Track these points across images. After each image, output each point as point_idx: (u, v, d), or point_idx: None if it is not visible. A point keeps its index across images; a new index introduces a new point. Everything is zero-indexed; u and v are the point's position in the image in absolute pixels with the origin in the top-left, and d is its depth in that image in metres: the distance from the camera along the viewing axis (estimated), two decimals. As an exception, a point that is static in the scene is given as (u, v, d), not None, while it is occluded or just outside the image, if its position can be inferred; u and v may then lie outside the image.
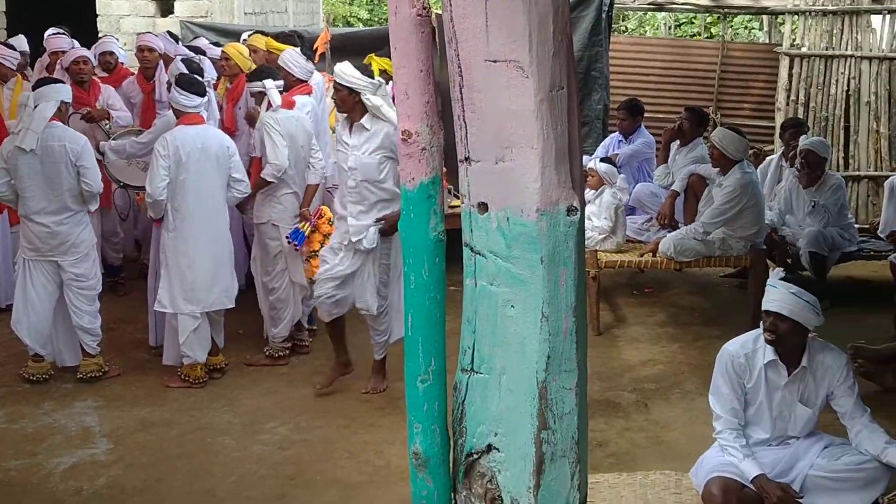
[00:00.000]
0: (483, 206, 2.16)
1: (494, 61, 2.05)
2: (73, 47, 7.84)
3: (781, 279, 4.28)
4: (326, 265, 5.77)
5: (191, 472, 4.95)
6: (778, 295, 4.22)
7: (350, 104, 5.58)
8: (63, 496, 4.71)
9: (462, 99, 2.13)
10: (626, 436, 5.36)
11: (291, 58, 6.81)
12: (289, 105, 6.39)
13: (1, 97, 7.33)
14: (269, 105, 6.30)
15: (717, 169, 7.21)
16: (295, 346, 6.65)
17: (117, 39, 8.82)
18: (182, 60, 7.08)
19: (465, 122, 2.14)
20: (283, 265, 6.42)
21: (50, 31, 8.30)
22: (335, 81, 5.60)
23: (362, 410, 5.73)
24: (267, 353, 6.52)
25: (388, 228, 5.55)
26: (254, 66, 7.30)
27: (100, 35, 10.06)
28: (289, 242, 6.23)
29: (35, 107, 5.89)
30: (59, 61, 7.76)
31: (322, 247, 6.26)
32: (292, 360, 6.54)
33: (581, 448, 2.22)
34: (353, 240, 5.61)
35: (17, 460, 5.06)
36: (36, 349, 6.09)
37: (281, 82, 6.51)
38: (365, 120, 5.56)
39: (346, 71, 5.55)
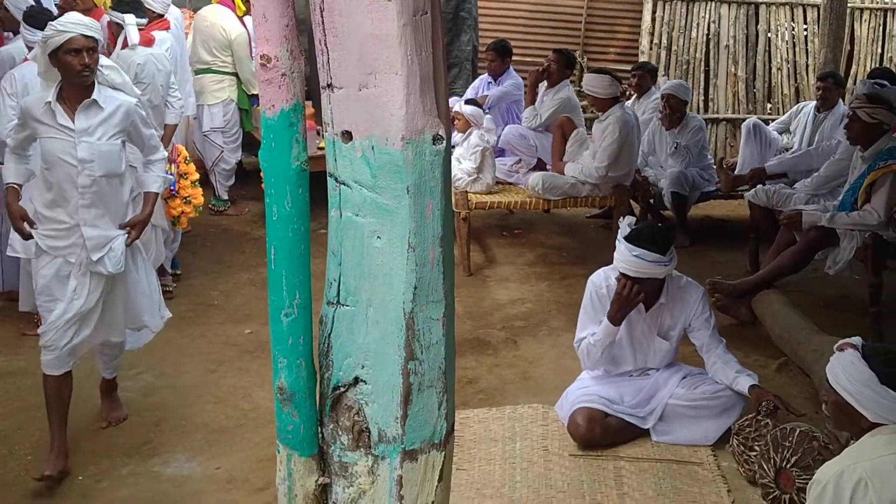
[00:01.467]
0: (347, 135, 2.10)
1: (356, -17, 1.99)
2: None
3: (626, 237, 4.35)
4: (58, 306, 4.23)
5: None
6: (622, 257, 4.32)
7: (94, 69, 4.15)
8: (-90, 450, 4.48)
9: (323, 23, 2.05)
10: (496, 372, 5.43)
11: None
12: (147, 42, 6.12)
13: None
14: (126, 43, 6.00)
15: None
16: (163, 292, 6.45)
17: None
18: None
19: (326, 48, 2.07)
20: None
21: None
22: (62, 40, 4.03)
23: (230, 355, 5.63)
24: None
25: (138, 237, 4.45)
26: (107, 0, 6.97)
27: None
28: None
29: None
30: None
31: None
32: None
33: (448, 378, 2.22)
34: (94, 258, 4.22)
35: None
36: None
37: (144, 20, 6.21)
38: (97, 94, 4.18)
39: (82, 20, 4.18)
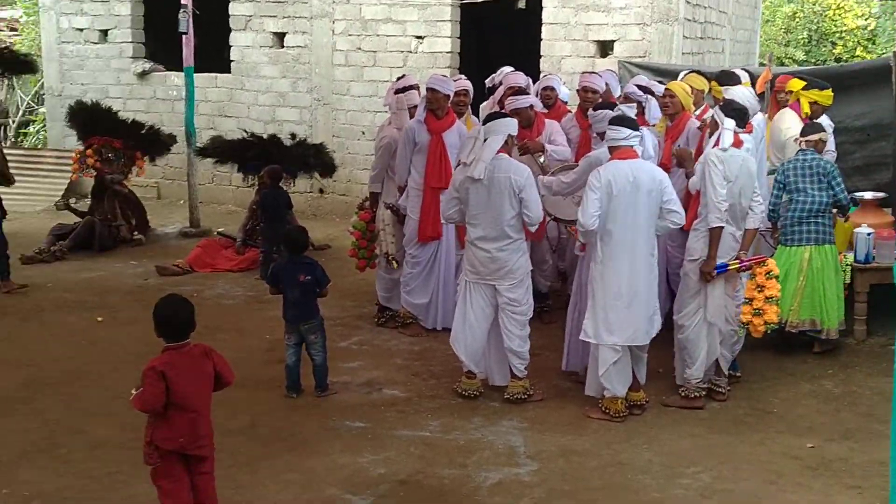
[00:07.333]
0: None
1: None
2: (528, 84, 8.26)
3: None
4: None
5: (611, 507, 4.96)
6: None
7: None
8: (490, 510, 4.92)
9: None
10: None
11: (743, 95, 6.63)
12: (738, 144, 6.20)
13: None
14: (717, 142, 6.17)
15: None
16: (711, 390, 6.43)
17: (559, 78, 9.16)
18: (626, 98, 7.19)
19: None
20: (698, 304, 6.26)
21: (507, 68, 8.81)
22: None
23: (790, 468, 5.40)
24: (682, 394, 6.38)
25: None
26: (691, 106, 7.22)
27: (541, 74, 10.55)
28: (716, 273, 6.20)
29: (485, 140, 6.25)
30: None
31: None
32: (709, 406, 6.33)
33: None
34: None
35: (449, 469, 5.37)
36: (470, 366, 6.44)
37: (741, 130, 6.31)
38: None
39: None
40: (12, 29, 20.16)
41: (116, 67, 14.15)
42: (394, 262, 7.89)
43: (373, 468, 5.38)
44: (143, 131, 11.45)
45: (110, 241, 10.81)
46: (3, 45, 12.54)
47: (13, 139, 17.49)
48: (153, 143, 11.49)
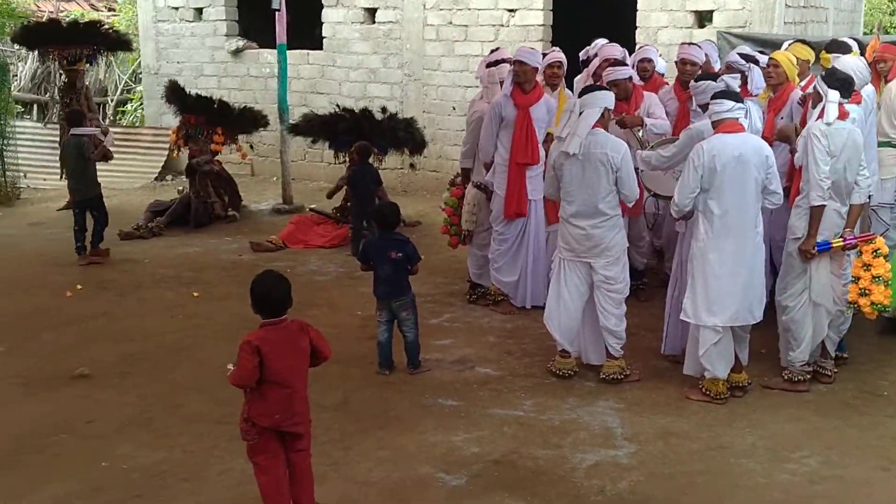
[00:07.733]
0: None
1: None
2: (624, 55, 8.05)
3: None
4: None
5: (712, 492, 4.78)
6: None
7: None
8: (586, 492, 4.79)
9: None
10: None
11: (854, 65, 6.32)
12: (843, 115, 5.89)
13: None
14: (821, 114, 5.87)
15: None
16: (816, 372, 6.18)
17: (656, 50, 8.90)
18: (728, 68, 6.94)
19: None
20: (803, 284, 6.00)
21: (602, 40, 8.60)
22: None
23: (907, 453, 5.15)
24: (785, 377, 6.14)
25: None
26: (796, 77, 6.93)
27: (637, 46, 10.27)
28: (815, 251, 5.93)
29: (580, 113, 6.09)
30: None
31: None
32: (814, 388, 6.08)
33: None
34: None
35: (544, 450, 5.26)
36: (564, 345, 6.31)
37: (846, 100, 6.00)
38: None
39: None
40: (110, 9, 20.61)
41: (211, 45, 14.34)
42: (465, 238, 7.88)
43: (466, 447, 5.30)
44: (214, 105, 11.51)
45: (205, 217, 10.99)
46: (103, 25, 12.79)
47: (112, 117, 17.87)
48: (225, 115, 11.51)
